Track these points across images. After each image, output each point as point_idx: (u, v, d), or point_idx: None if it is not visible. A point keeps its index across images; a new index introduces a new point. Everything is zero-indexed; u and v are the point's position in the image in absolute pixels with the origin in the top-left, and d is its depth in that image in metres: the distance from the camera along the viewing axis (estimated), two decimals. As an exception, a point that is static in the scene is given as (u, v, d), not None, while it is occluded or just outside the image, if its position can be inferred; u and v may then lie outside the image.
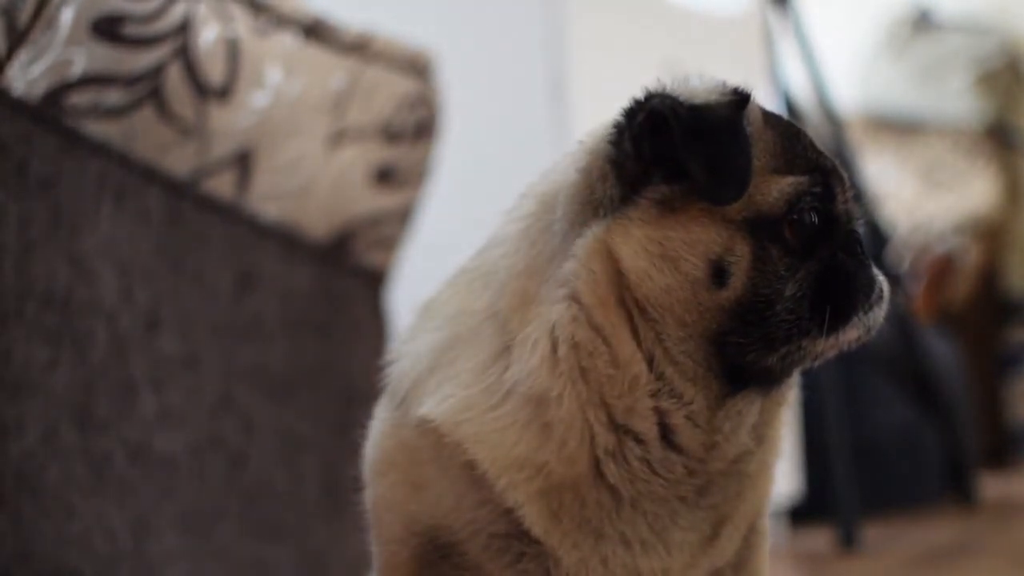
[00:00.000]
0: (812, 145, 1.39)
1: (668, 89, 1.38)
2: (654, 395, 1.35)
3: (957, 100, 6.64)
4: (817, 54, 4.57)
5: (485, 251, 1.47)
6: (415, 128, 2.59)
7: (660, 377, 1.34)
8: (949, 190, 6.40)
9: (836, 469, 3.87)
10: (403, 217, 2.64)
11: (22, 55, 1.92)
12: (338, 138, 2.46)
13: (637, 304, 1.34)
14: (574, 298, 1.35)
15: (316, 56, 2.40)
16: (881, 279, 1.38)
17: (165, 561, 2.13)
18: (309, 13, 2.41)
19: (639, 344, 1.34)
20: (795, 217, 1.34)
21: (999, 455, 6.20)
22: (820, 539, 4.00)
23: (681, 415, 1.35)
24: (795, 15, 4.43)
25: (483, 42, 3.24)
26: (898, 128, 6.65)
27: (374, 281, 2.66)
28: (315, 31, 2.40)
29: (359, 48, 2.49)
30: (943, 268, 6.13)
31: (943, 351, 5.09)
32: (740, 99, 1.38)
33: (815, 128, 4.56)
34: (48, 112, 1.99)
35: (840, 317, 1.33)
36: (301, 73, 2.37)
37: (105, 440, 2.05)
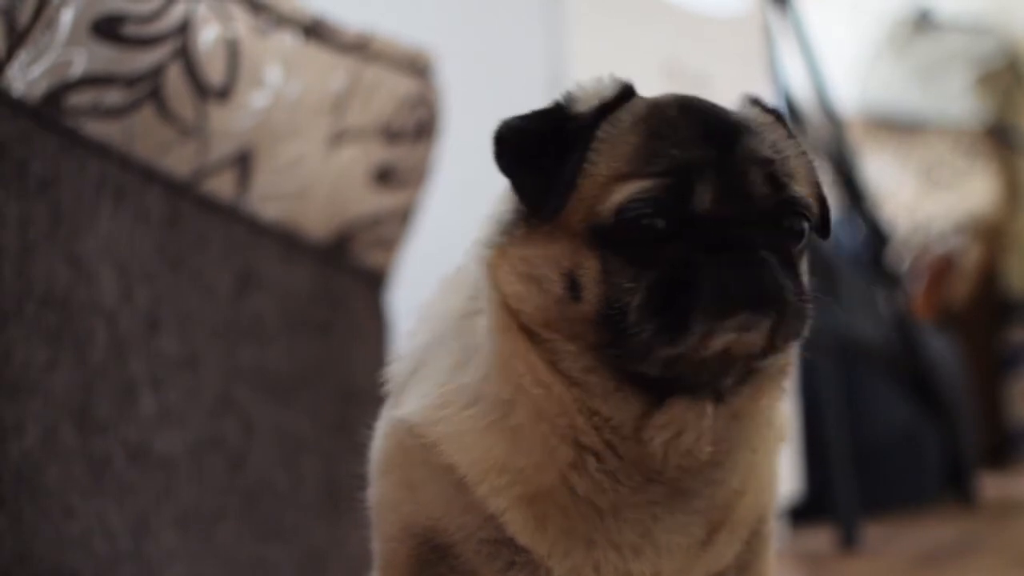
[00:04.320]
0: (685, 140, 1.31)
1: (564, 97, 1.38)
2: (581, 413, 1.33)
3: (957, 100, 6.64)
4: (817, 54, 4.57)
5: (469, 251, 1.48)
6: (415, 128, 2.59)
7: (578, 397, 1.33)
8: (949, 190, 6.40)
9: (836, 469, 3.88)
10: (403, 217, 2.64)
11: (22, 55, 1.92)
12: (338, 138, 2.46)
13: (524, 327, 1.33)
14: (489, 317, 1.36)
15: (316, 56, 2.40)
16: (757, 281, 1.27)
17: (165, 561, 2.13)
18: (309, 13, 2.40)
19: (552, 366, 1.33)
20: (628, 225, 1.29)
21: (999, 455, 6.21)
22: (821, 539, 4.00)
23: (607, 431, 1.33)
24: (795, 15, 4.43)
25: (483, 42, 3.24)
26: (898, 128, 6.65)
27: (374, 281, 2.66)
28: (315, 31, 2.40)
29: (359, 48, 2.49)
30: (943, 268, 6.13)
31: (943, 351, 5.10)
32: (599, 108, 1.36)
33: (815, 128, 4.56)
34: (48, 112, 1.99)
35: (675, 327, 1.26)
36: (301, 73, 2.37)
37: (105, 440, 2.05)
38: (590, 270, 1.30)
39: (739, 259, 1.27)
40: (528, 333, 1.34)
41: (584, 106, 1.36)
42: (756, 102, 1.44)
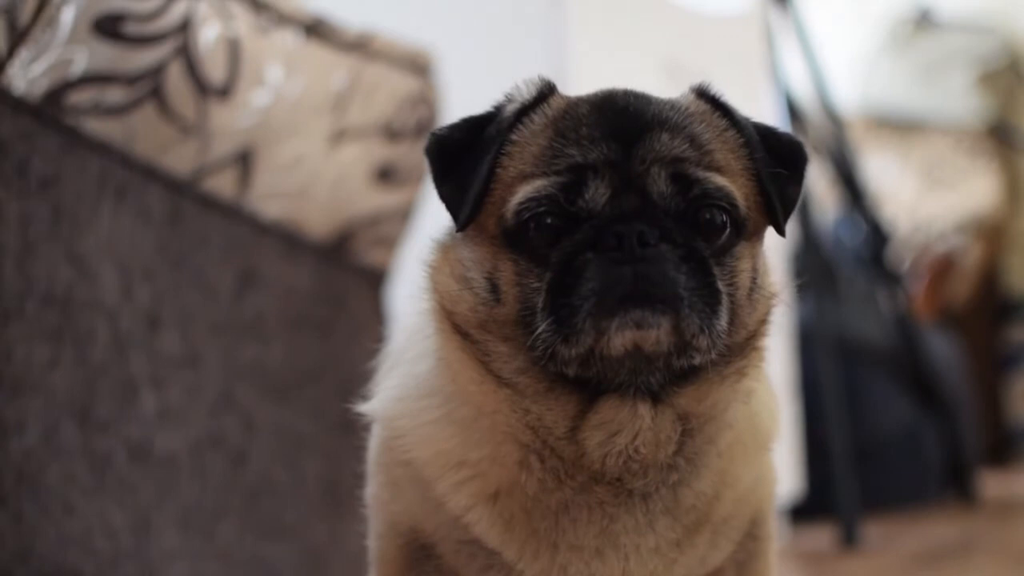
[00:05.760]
0: (586, 139, 1.31)
1: (500, 101, 1.40)
2: (515, 412, 1.33)
3: (958, 99, 6.64)
4: (818, 53, 4.57)
5: None
6: (416, 127, 2.59)
7: (509, 397, 1.33)
8: (950, 189, 6.40)
9: (837, 468, 3.88)
10: (404, 216, 2.64)
11: (23, 54, 1.92)
12: (339, 137, 2.46)
13: (458, 328, 1.35)
14: (431, 317, 1.39)
15: (317, 55, 2.40)
16: (643, 277, 1.26)
17: (166, 560, 2.13)
18: (310, 12, 2.41)
19: (485, 367, 1.34)
20: (526, 224, 1.30)
21: (999, 454, 6.21)
22: (821, 537, 4.00)
23: (542, 431, 1.33)
24: (796, 14, 4.43)
25: (483, 41, 3.24)
26: (899, 127, 6.64)
27: (375, 280, 2.67)
28: (316, 30, 2.40)
29: (360, 47, 2.49)
30: (943, 267, 6.13)
31: (943, 350, 5.09)
32: (518, 111, 1.36)
33: (816, 127, 4.56)
34: (49, 111, 1.99)
35: (565, 326, 1.26)
36: (302, 72, 2.37)
37: (106, 439, 2.05)
38: (506, 272, 1.32)
39: (627, 256, 1.26)
40: (462, 334, 1.35)
41: (508, 109, 1.37)
42: (697, 90, 1.42)
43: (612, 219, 1.28)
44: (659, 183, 1.30)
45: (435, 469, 1.37)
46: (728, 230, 1.33)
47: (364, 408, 1.47)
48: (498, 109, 1.39)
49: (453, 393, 1.37)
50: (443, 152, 1.39)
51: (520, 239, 1.31)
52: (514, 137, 1.35)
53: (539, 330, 1.27)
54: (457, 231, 1.37)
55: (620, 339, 1.26)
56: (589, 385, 1.31)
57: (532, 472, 1.34)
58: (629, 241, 1.27)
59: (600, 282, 1.26)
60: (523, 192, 1.30)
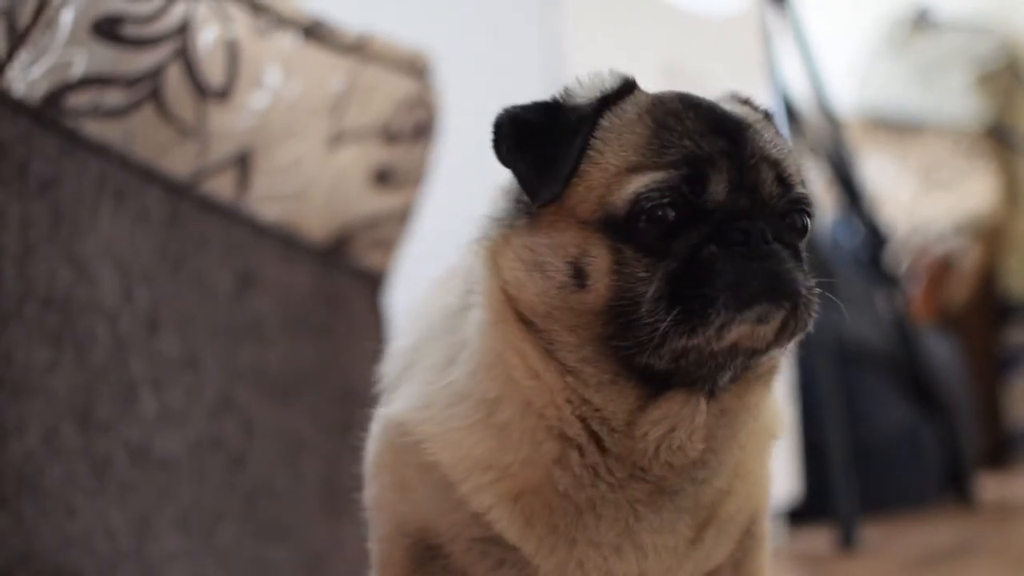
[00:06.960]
0: (696, 132, 1.32)
1: (560, 93, 1.39)
2: (570, 403, 1.34)
3: (956, 100, 6.64)
4: (816, 54, 4.58)
5: (464, 251, 1.48)
6: (414, 129, 2.60)
7: (569, 386, 1.33)
8: (948, 190, 6.41)
9: (835, 469, 3.88)
10: (402, 218, 2.64)
11: (23, 56, 1.93)
12: (337, 139, 2.47)
13: (522, 316, 1.34)
14: (484, 308, 1.37)
15: (315, 57, 2.41)
16: (773, 272, 1.29)
17: (165, 561, 2.14)
18: (308, 14, 2.41)
19: (548, 354, 1.33)
20: (644, 215, 1.29)
21: (998, 455, 6.21)
22: (819, 539, 4.00)
23: (595, 423, 1.34)
24: (794, 15, 4.43)
25: (482, 43, 3.24)
26: (897, 128, 6.65)
27: (373, 282, 2.67)
28: (314, 32, 2.41)
29: (358, 49, 2.49)
30: (942, 269, 6.13)
31: (942, 352, 5.10)
32: (601, 98, 1.37)
33: (814, 128, 4.56)
34: (48, 113, 1.99)
35: (696, 317, 1.27)
36: (300, 74, 2.37)
37: (106, 441, 2.05)
38: (600, 260, 1.31)
39: (755, 251, 1.29)
40: (524, 323, 1.34)
41: (582, 98, 1.37)
42: (745, 101, 1.45)
43: (732, 214, 1.30)
44: (769, 183, 1.33)
45: (461, 472, 1.37)
46: (807, 233, 1.37)
47: (382, 414, 1.47)
48: (562, 98, 1.39)
49: (494, 399, 1.36)
50: (517, 127, 1.38)
51: (628, 228, 1.30)
52: (603, 123, 1.35)
53: (654, 320, 1.27)
54: (537, 207, 1.34)
55: (736, 332, 1.28)
56: (656, 378, 1.32)
57: (568, 468, 1.35)
58: (755, 238, 1.29)
59: (734, 277, 1.27)
60: (640, 182, 1.30)
